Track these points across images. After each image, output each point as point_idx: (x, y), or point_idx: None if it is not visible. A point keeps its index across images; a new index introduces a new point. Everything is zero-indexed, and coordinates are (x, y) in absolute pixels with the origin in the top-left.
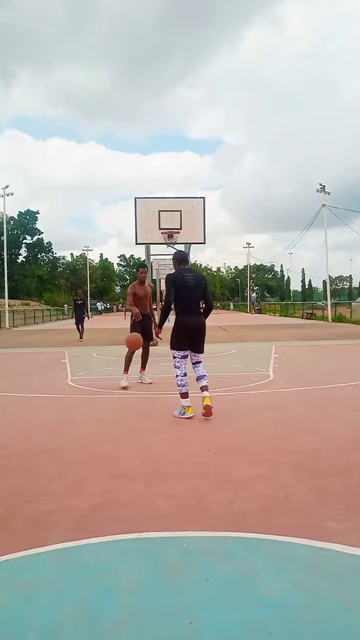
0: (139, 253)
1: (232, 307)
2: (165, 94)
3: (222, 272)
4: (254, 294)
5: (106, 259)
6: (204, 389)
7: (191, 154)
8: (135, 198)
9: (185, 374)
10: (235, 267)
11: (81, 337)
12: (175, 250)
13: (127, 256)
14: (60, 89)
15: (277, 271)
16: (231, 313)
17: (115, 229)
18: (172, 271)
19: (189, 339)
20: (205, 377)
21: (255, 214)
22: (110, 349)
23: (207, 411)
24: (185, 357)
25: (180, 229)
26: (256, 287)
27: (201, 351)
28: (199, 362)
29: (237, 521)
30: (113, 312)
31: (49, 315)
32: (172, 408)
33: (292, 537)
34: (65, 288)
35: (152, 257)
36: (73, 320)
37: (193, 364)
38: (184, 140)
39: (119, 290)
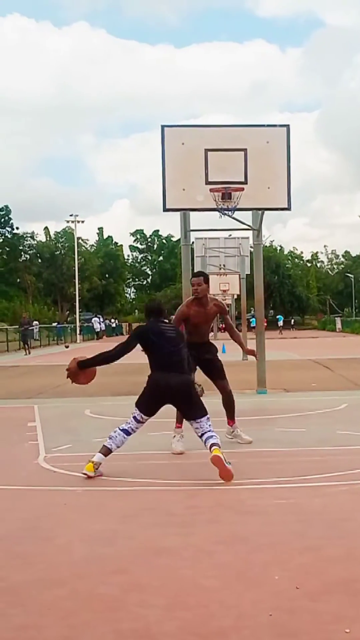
0: (170, 227)
1: (339, 325)
2: None
3: (322, 262)
4: None
5: (109, 237)
6: (213, 446)
7: (263, 45)
8: (163, 127)
9: (128, 433)
10: (346, 252)
11: None
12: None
13: (148, 233)
14: None
15: None
16: (338, 336)
17: (126, 183)
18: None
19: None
20: (215, 436)
21: None
22: (116, 403)
23: (219, 467)
24: (142, 423)
25: (245, 182)
26: None
27: (200, 416)
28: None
29: None
30: (123, 333)
31: (5, 341)
32: (224, 509)
33: None
34: (36, 290)
35: (192, 235)
36: (47, 349)
37: (199, 436)
38: (249, 20)
39: (133, 296)
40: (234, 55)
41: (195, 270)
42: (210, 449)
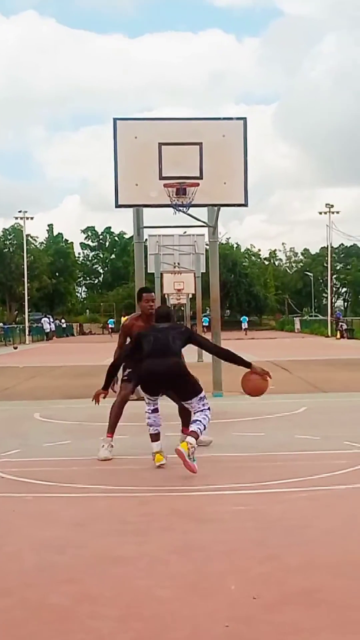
0: (123, 224)
1: (298, 325)
2: None
3: (280, 260)
4: (339, 302)
5: (59, 234)
6: (187, 436)
7: (219, 34)
8: (115, 120)
9: (155, 411)
10: (305, 250)
11: None
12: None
13: (100, 230)
14: None
15: None
16: (296, 337)
17: (77, 178)
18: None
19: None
20: (199, 422)
21: (341, 150)
22: (67, 406)
23: (179, 455)
24: (153, 401)
25: (200, 177)
26: (345, 289)
27: (188, 398)
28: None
29: None
30: (74, 334)
31: None
32: (179, 516)
33: None
34: None
35: (145, 232)
36: None
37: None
38: (205, 9)
39: (84, 295)
40: (190, 46)
41: (148, 269)
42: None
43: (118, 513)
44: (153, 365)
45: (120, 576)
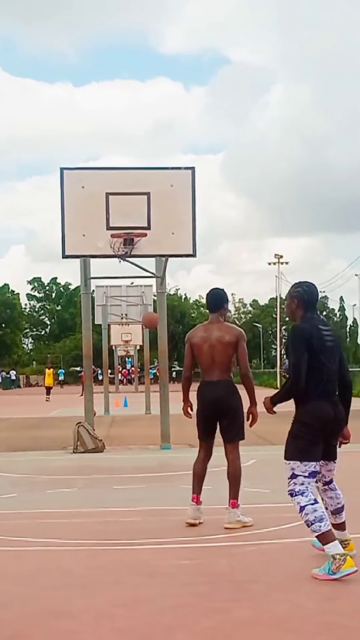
0: (69, 274)
1: None
2: None
3: (229, 311)
4: None
5: (5, 285)
6: (340, 527)
7: (167, 83)
8: (62, 169)
9: (316, 501)
10: (254, 301)
11: None
12: (299, 283)
13: (46, 281)
14: None
15: (331, 308)
16: (243, 389)
17: (22, 228)
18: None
19: (324, 443)
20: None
21: (289, 200)
22: (13, 459)
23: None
24: (314, 474)
25: (148, 227)
26: None
27: (336, 458)
28: (332, 480)
29: None
30: (20, 386)
31: None
32: (126, 570)
33: None
34: None
35: (93, 283)
36: None
37: (324, 484)
38: (152, 57)
39: (30, 347)
40: (136, 94)
41: (95, 321)
42: (336, 529)
43: (65, 566)
44: (329, 412)
45: (67, 630)
